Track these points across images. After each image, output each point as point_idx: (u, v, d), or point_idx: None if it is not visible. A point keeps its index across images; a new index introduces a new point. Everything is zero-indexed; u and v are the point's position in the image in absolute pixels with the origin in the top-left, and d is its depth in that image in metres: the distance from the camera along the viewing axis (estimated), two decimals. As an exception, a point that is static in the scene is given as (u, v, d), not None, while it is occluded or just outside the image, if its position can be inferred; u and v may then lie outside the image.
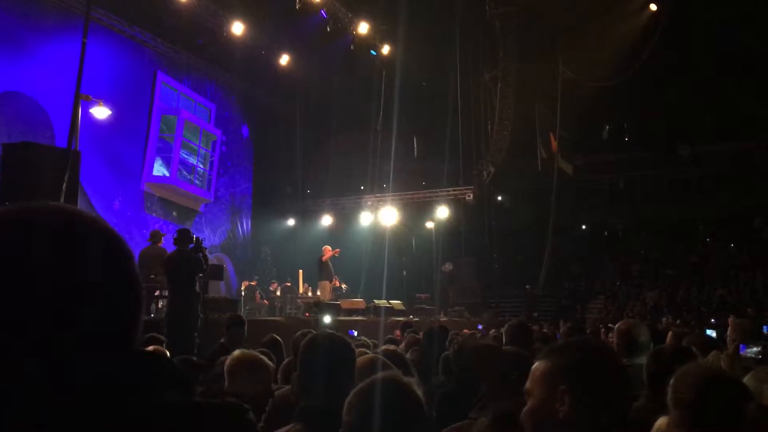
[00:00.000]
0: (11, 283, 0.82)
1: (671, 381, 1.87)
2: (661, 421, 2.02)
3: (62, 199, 8.13)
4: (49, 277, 0.83)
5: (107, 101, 12.61)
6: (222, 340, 5.54)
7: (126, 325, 0.91)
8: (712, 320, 14.83)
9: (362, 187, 21.30)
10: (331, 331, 2.83)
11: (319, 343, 2.58)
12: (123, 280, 0.91)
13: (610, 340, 6.20)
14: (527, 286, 21.71)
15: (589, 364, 1.54)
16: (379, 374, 1.91)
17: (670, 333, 5.57)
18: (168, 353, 4.59)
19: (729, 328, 5.22)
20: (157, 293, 10.71)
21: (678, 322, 12.46)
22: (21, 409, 0.80)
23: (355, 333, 6.92)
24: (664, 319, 15.63)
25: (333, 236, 19.12)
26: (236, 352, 3.41)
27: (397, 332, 9.38)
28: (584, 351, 1.59)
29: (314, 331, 3.52)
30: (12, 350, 0.81)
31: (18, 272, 0.82)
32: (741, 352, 4.32)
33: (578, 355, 1.56)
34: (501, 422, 2.03)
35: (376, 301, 14.56)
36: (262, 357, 3.42)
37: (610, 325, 8.06)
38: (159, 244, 11.03)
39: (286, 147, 21.28)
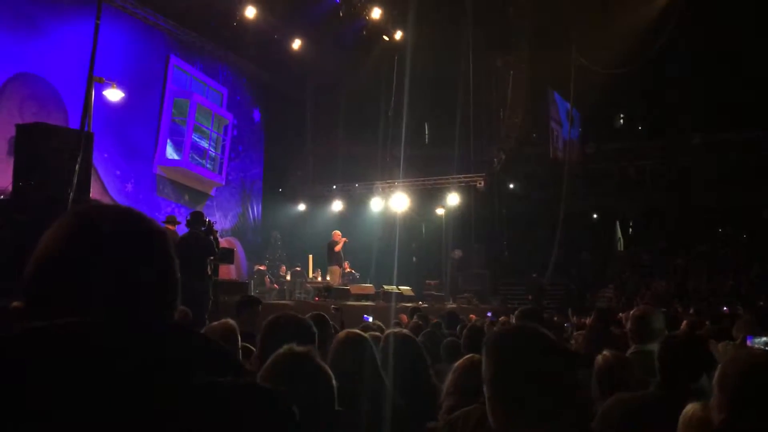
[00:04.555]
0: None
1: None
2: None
3: (75, 181, 8.19)
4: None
5: (120, 84, 12.66)
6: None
7: (167, 297, 1.01)
8: (724, 308, 14.77)
9: (373, 173, 21.30)
10: (293, 313, 2.89)
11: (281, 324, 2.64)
12: (159, 254, 1.02)
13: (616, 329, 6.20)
14: (534, 274, 21.69)
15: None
16: (280, 350, 1.95)
17: (684, 322, 5.57)
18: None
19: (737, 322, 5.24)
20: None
21: (691, 311, 12.42)
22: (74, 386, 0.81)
23: (370, 319, 6.93)
24: (667, 309, 15.59)
25: (343, 222, 19.16)
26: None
27: (403, 316, 9.43)
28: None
29: (324, 314, 3.56)
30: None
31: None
32: (748, 343, 4.37)
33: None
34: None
35: (386, 287, 14.62)
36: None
37: (620, 315, 8.01)
38: (172, 228, 11.11)
39: (297, 131, 21.28)
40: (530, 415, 1.61)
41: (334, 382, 1.91)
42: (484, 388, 1.69)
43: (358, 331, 3.13)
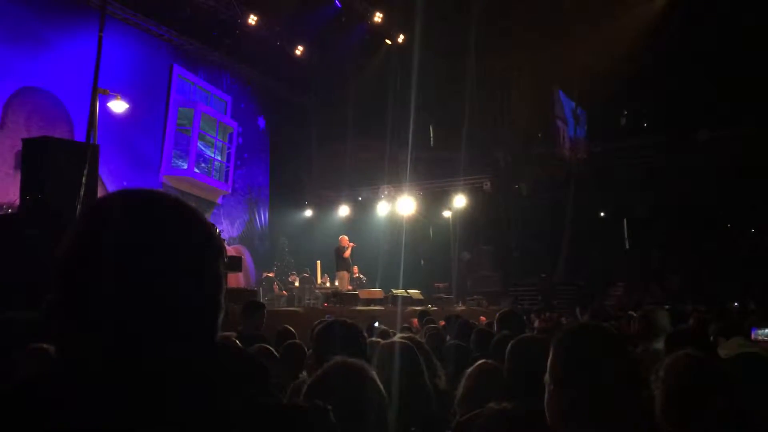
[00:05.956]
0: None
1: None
2: None
3: (82, 193, 8.21)
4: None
5: (124, 95, 12.68)
6: (240, 328, 5.38)
7: (212, 314, 0.89)
8: (735, 303, 14.71)
9: (379, 177, 21.29)
10: (345, 319, 2.88)
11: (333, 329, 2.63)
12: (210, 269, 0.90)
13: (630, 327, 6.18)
14: (543, 275, 21.60)
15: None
16: (330, 361, 1.90)
17: (692, 317, 5.57)
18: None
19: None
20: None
21: (703, 308, 12.37)
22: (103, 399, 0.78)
23: (376, 324, 6.94)
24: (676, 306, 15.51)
25: (350, 226, 19.14)
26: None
27: (414, 321, 9.39)
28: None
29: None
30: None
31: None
32: (752, 334, 4.46)
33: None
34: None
35: (395, 291, 14.59)
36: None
37: (630, 312, 8.02)
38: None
39: (302, 138, 21.31)
40: (597, 415, 1.60)
41: (383, 393, 1.87)
42: (548, 386, 1.67)
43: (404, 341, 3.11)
